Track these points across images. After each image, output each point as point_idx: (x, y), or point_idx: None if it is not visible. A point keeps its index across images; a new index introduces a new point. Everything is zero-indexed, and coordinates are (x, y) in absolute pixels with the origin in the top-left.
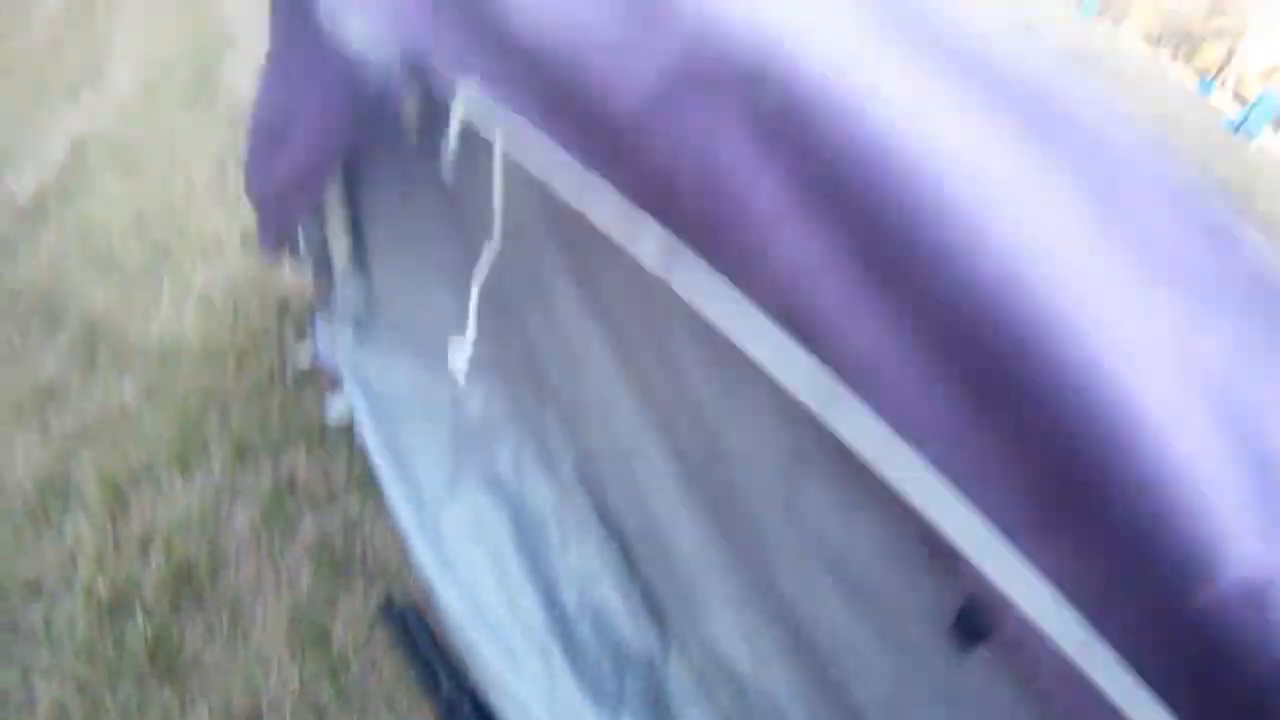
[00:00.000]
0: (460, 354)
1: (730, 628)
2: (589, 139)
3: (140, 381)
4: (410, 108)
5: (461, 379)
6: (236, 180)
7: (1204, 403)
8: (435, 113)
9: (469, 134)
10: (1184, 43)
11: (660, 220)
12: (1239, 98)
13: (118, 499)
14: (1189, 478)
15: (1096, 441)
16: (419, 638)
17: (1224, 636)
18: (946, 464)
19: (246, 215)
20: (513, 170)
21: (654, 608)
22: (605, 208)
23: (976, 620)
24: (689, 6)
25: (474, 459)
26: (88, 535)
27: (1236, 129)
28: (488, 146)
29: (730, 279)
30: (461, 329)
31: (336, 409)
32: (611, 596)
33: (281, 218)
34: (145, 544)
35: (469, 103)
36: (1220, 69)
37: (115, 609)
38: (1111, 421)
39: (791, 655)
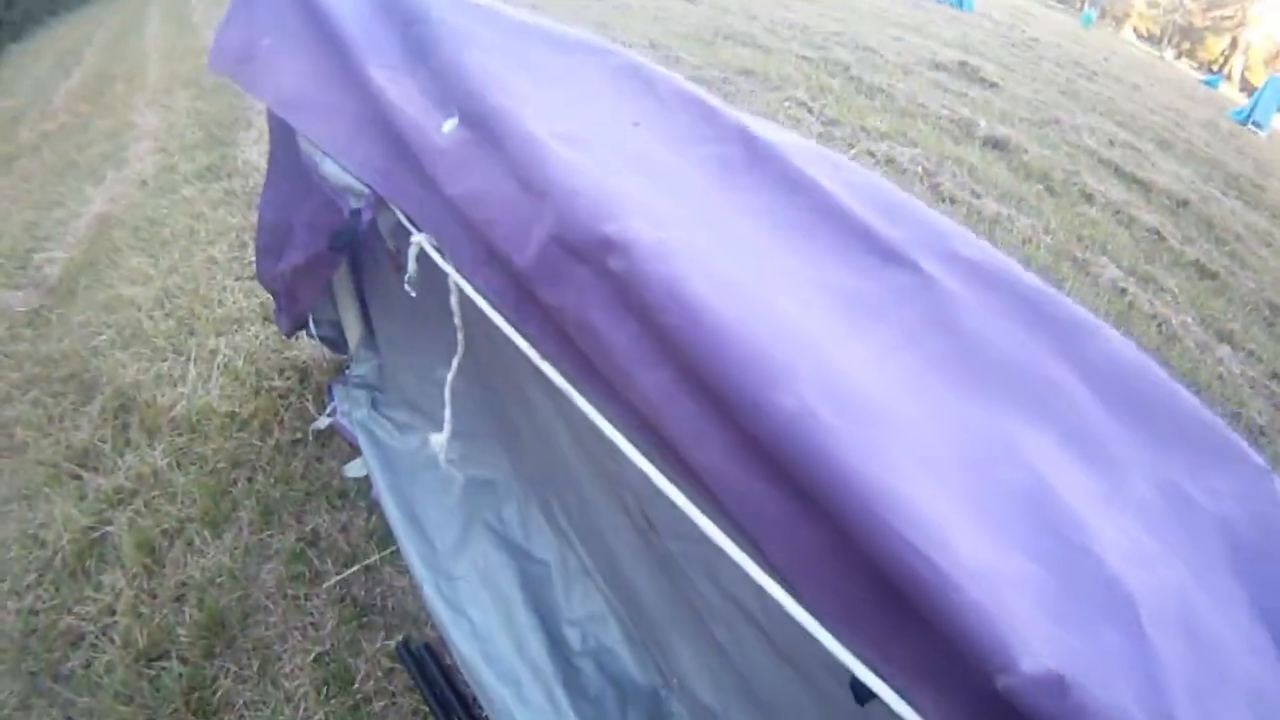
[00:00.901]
0: (439, 447)
1: (695, 668)
2: (503, 288)
3: (170, 447)
4: (385, 225)
5: (443, 463)
6: (253, 258)
7: (1013, 504)
8: (404, 232)
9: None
10: (1186, 39)
11: (559, 354)
12: (1247, 87)
13: (152, 556)
14: (980, 576)
15: (882, 549)
16: (434, 677)
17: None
18: (787, 564)
19: (264, 291)
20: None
21: (656, 646)
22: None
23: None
24: (559, 185)
25: (482, 514)
26: (125, 589)
27: (1245, 120)
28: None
29: (616, 398)
30: (458, 405)
31: (354, 469)
32: (615, 636)
33: (292, 306)
34: (179, 597)
35: (425, 241)
36: (1225, 61)
37: (153, 656)
38: (893, 533)
39: (743, 696)
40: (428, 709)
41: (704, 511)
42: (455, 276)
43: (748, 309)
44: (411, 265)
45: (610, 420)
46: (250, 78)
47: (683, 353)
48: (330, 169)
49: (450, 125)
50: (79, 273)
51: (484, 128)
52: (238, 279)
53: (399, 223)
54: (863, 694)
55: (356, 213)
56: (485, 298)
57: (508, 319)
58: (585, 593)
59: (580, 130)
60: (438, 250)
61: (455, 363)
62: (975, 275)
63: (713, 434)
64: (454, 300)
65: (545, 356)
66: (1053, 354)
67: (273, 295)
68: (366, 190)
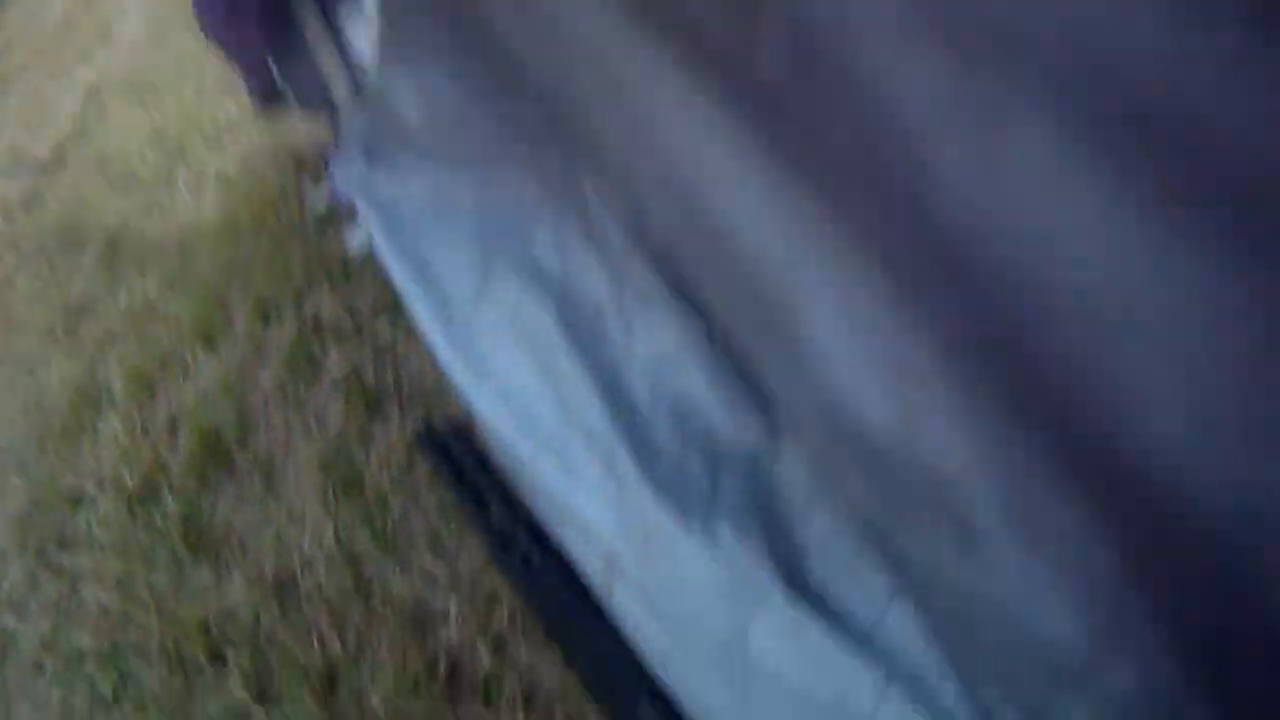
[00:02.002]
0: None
1: (852, 365)
2: None
3: (162, 275)
4: None
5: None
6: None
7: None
8: None
9: None
10: None
11: None
12: None
13: (145, 390)
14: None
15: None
16: (463, 464)
17: None
18: None
19: None
20: None
21: (755, 389)
22: None
23: None
24: None
25: (506, 250)
26: (119, 432)
27: None
28: None
29: None
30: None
31: (357, 239)
32: (695, 383)
33: (248, 54)
34: (172, 427)
35: None
36: None
37: (144, 497)
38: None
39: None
40: (455, 504)
41: None
42: None
43: None
44: None
45: None
46: None
47: None
48: None
49: None
50: (69, 143)
51: None
52: (228, 95)
53: None
54: None
55: None
56: None
57: None
58: (650, 327)
59: None
60: None
61: None
62: None
63: None
64: None
65: None
66: None
67: (221, 48)
68: None
